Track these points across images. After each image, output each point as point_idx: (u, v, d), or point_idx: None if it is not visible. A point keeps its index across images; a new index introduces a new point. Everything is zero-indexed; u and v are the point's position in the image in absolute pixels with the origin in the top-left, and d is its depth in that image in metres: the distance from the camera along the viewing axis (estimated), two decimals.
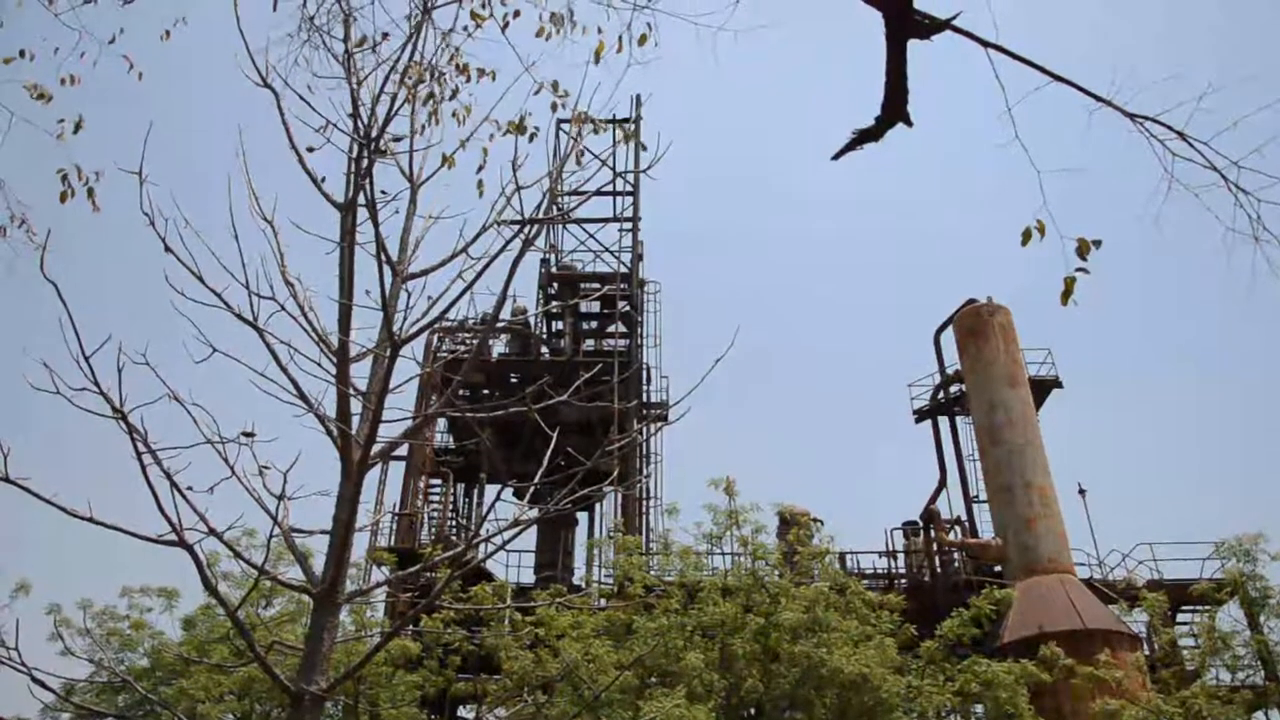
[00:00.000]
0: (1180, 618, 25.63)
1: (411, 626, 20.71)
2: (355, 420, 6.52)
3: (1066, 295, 4.62)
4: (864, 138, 5.59)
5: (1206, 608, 21.89)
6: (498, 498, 6.79)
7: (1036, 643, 20.56)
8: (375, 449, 6.37)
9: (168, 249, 6.22)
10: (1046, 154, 5.85)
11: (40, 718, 20.63)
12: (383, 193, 6.70)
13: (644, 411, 30.14)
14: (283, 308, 6.42)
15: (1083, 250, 4.53)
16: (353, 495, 6.29)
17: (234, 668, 17.32)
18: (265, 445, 6.28)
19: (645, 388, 31.17)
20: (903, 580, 27.90)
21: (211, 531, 6.18)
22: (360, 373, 6.70)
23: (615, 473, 19.49)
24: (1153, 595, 21.61)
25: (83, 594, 20.74)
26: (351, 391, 6.37)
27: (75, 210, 7.23)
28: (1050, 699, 20.34)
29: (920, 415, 32.59)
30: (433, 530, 28.55)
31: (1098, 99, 5.10)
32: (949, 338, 31.20)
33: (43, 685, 6.00)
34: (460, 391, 27.31)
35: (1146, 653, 23.60)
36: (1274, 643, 20.05)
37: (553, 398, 6.82)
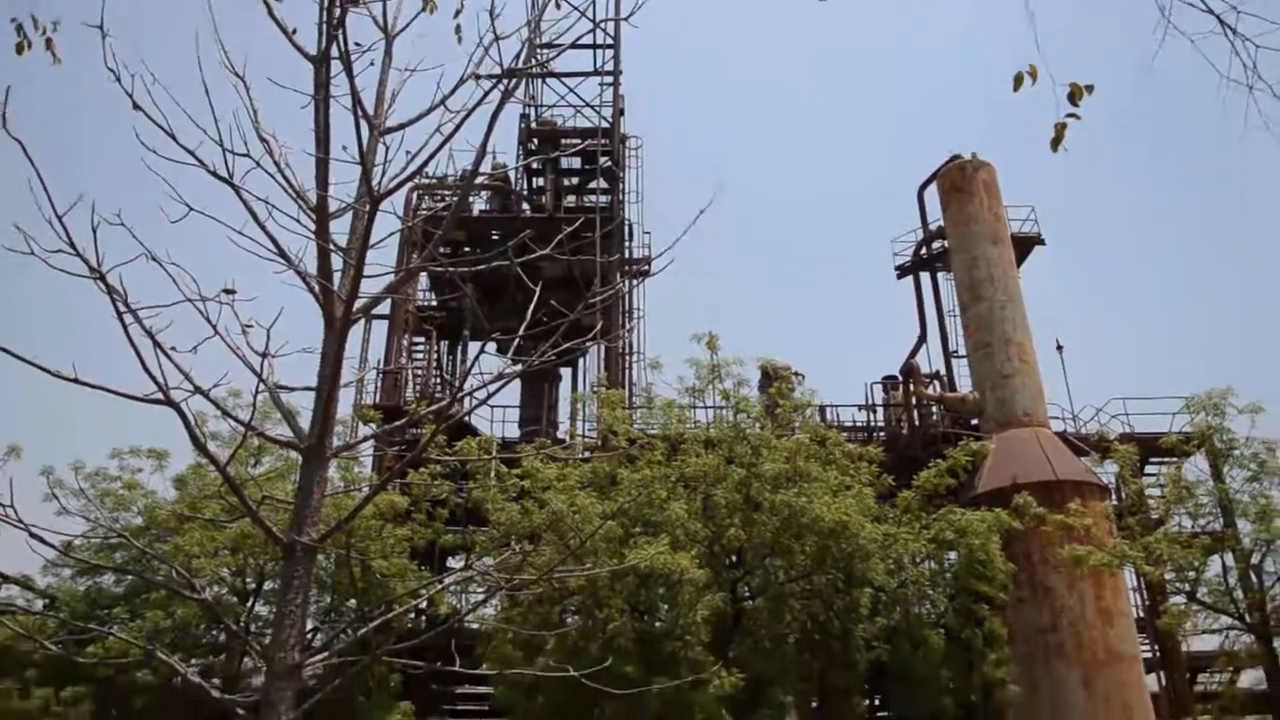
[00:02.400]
0: (1149, 469, 26.35)
1: (399, 480, 21.09)
2: (336, 277, 6.48)
3: (1057, 142, 4.53)
4: None
5: (1174, 459, 22.49)
6: (480, 352, 6.82)
7: (1010, 493, 21.15)
8: (357, 305, 6.35)
9: (136, 106, 6.04)
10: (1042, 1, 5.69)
11: (42, 574, 21.13)
12: (356, 44, 6.49)
13: (626, 267, 30.06)
14: (258, 165, 6.29)
15: (1075, 95, 4.42)
16: (336, 351, 6.30)
17: (227, 523, 17.65)
18: (247, 304, 6.25)
19: (627, 243, 31.00)
20: (881, 433, 28.46)
21: (197, 389, 6.21)
22: (340, 229, 6.62)
23: (598, 326, 19.54)
24: (1123, 448, 22.19)
25: (71, 459, 20.90)
26: (332, 247, 6.31)
27: (39, 69, 6.98)
28: (1021, 545, 21.07)
29: (902, 271, 32.66)
30: (417, 387, 28.78)
31: None
32: (933, 194, 31.01)
33: (41, 540, 6.12)
34: (441, 249, 27.11)
35: (1114, 502, 24.34)
36: (1234, 491, 20.67)
37: (534, 252, 6.78)
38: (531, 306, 6.34)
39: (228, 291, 6.10)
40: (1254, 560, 19.93)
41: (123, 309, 5.85)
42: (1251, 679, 24.26)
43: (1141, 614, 25.33)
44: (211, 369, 6.34)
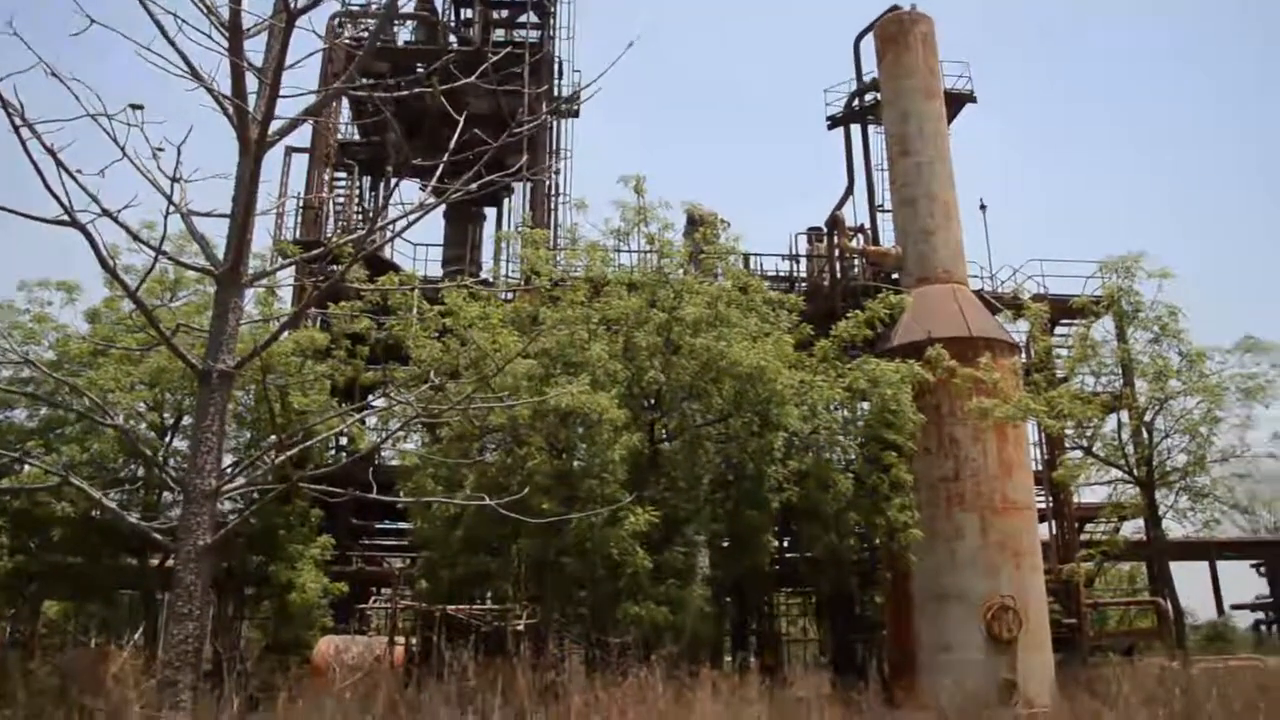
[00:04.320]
0: (1059, 330, 27.19)
1: (319, 311, 20.83)
2: (252, 100, 6.24)
3: None
4: None
5: (1084, 320, 23.27)
6: (399, 181, 6.69)
7: (924, 346, 21.68)
8: (274, 127, 6.15)
9: None
10: None
11: None
12: None
13: (555, 105, 29.32)
14: None
15: None
16: (251, 175, 6.12)
17: (143, 350, 17.32)
18: (157, 127, 5.97)
19: (558, 81, 30.17)
20: (804, 283, 28.77)
21: (105, 212, 6.00)
22: (256, 49, 6.33)
23: (523, 159, 19.12)
24: (1036, 306, 22.91)
25: None
26: (246, 66, 6.04)
27: None
28: (931, 398, 21.73)
29: (833, 122, 32.32)
30: (341, 224, 28.16)
31: None
32: (869, 46, 30.53)
33: None
34: (364, 80, 26.11)
35: (1024, 359, 25.17)
36: (1136, 352, 21.55)
37: (460, 81, 6.59)
38: (455, 135, 6.21)
39: (135, 107, 5.82)
40: (1147, 418, 20.96)
41: (19, 122, 5.57)
42: (1131, 528, 25.99)
43: (1040, 467, 26.55)
44: (120, 194, 6.11)
